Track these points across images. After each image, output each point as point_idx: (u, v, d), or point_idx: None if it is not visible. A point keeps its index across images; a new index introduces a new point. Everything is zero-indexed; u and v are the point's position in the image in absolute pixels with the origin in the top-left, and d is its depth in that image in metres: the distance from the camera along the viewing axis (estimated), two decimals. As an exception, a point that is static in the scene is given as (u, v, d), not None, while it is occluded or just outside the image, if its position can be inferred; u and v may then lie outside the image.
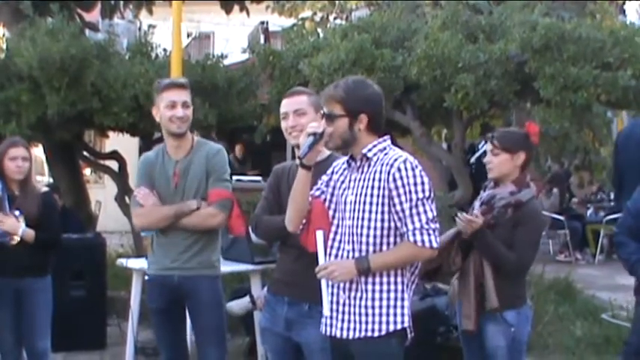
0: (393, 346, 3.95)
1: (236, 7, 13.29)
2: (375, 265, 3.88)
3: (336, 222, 4.09)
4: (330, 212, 4.12)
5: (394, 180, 3.87)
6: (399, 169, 3.87)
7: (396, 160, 3.91)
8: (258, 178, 14.78)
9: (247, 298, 7.12)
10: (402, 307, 3.96)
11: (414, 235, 3.86)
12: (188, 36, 20.91)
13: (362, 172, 3.99)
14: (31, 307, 5.92)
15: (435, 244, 3.89)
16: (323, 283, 3.96)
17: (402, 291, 3.97)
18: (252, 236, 4.86)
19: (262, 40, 14.60)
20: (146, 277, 5.49)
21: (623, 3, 15.56)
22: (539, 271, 9.66)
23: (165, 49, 10.12)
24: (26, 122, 9.20)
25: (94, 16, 13.00)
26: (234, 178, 8.80)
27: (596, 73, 8.01)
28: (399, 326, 3.94)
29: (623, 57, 8.24)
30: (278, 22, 15.25)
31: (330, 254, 4.03)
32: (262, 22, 15.84)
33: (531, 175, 13.32)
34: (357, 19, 10.48)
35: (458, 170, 9.50)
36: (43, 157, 12.06)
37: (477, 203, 5.12)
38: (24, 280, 5.88)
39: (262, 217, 4.66)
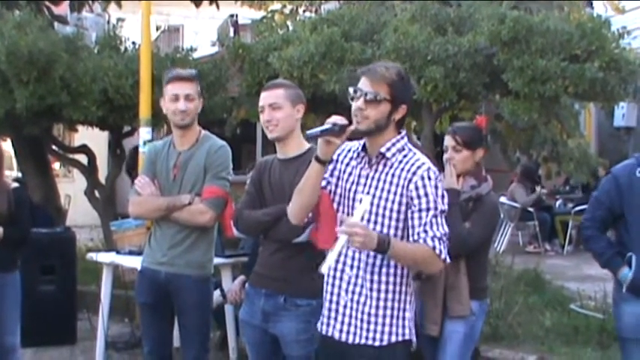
0: (395, 356, 3.85)
1: (205, 1, 13.25)
2: (394, 249, 3.63)
3: (340, 215, 3.85)
4: (335, 205, 3.92)
5: (416, 189, 3.71)
6: (422, 178, 3.72)
7: (418, 167, 3.74)
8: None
9: (218, 292, 7.12)
10: (404, 318, 3.84)
11: (433, 240, 3.69)
12: (157, 29, 20.78)
13: (376, 171, 3.81)
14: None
15: (448, 259, 3.76)
16: (341, 239, 3.57)
17: (405, 301, 3.84)
18: (235, 230, 4.84)
19: (232, 33, 14.55)
20: (138, 269, 5.46)
21: (591, -5, 15.66)
22: (508, 263, 9.74)
23: (134, 43, 10.08)
24: (-6, 117, 9.16)
25: (62, 9, 12.91)
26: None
27: (563, 66, 8.07)
28: (400, 338, 3.82)
29: (590, 49, 8.31)
30: (248, 14, 15.17)
31: (333, 250, 3.80)
32: (232, 15, 15.77)
33: (501, 167, 13.34)
34: (327, 12, 10.48)
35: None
36: (12, 152, 11.98)
37: None
38: (-9, 276, 5.83)
39: (243, 212, 4.65)
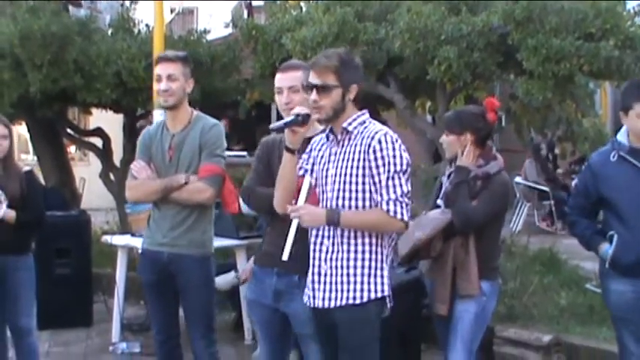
0: (371, 313, 4.02)
1: (219, -17, 13.24)
2: (344, 219, 3.95)
3: (318, 197, 4.14)
4: (316, 189, 4.15)
5: (374, 152, 3.92)
6: (379, 142, 3.93)
7: (376, 133, 3.97)
8: (244, 152, 14.79)
9: (232, 273, 7.15)
10: (382, 276, 4.03)
11: (387, 204, 3.92)
12: (171, 11, 20.79)
13: (342, 146, 4.05)
14: (14, 286, 5.87)
15: (406, 218, 3.97)
16: (293, 223, 3.97)
17: (382, 261, 4.04)
18: (244, 208, 4.86)
19: (245, 15, 14.54)
20: (139, 251, 5.49)
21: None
22: (523, 242, 9.71)
23: (147, 25, 10.09)
24: (8, 100, 9.21)
25: (76, -8, 12.92)
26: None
27: (578, 44, 8.00)
28: (379, 294, 4.01)
29: (605, 27, 8.23)
30: (261, -4, 15.18)
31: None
32: (245, -3, 15.79)
33: (515, 146, 13.29)
34: (340, -7, 10.41)
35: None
36: (27, 136, 12.03)
37: (444, 178, 5.19)
38: (6, 259, 5.82)
39: (255, 189, 4.66)
